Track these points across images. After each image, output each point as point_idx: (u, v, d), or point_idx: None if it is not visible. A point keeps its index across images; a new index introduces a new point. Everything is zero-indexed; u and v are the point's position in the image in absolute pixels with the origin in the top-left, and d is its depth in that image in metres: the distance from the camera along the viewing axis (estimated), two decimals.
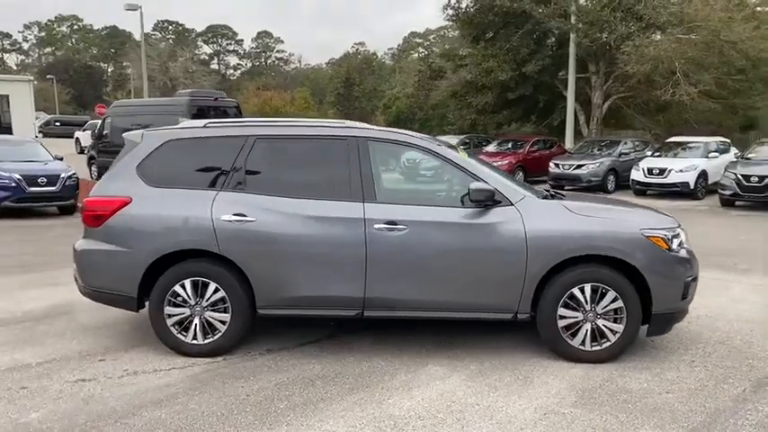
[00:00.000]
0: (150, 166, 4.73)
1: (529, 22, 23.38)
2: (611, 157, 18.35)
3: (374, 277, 4.49)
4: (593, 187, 17.41)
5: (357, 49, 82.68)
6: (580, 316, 4.49)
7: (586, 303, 4.47)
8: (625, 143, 19.37)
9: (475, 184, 4.46)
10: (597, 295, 4.47)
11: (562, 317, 4.50)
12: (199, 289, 4.57)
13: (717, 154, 16.95)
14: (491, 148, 21.41)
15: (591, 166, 17.90)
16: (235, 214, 4.53)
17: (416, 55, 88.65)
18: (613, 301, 4.46)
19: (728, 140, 18.49)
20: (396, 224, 4.48)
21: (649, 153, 18.16)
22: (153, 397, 3.95)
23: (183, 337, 4.62)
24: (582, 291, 4.47)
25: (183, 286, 4.57)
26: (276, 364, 4.53)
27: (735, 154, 17.25)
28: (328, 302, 4.59)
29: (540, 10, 22.26)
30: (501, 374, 4.32)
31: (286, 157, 4.81)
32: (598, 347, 4.52)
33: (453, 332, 5.08)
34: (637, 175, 16.85)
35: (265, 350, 4.77)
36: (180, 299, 4.58)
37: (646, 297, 4.48)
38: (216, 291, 4.56)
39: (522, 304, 4.51)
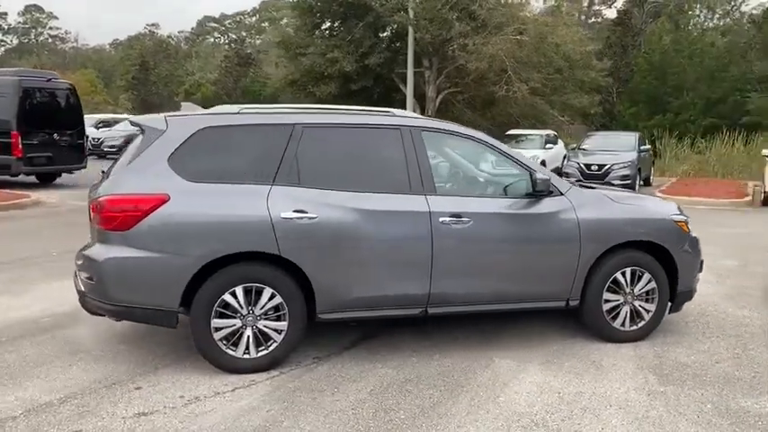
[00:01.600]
0: (185, 157, 4.06)
1: (369, 14, 23.81)
2: None
3: (439, 272, 4.34)
4: None
5: (150, 32, 77.92)
6: (621, 299, 4.76)
7: (627, 286, 4.76)
8: None
9: (539, 175, 4.50)
10: (635, 278, 4.78)
11: (607, 301, 4.73)
12: (252, 296, 4.06)
13: (552, 145, 18.83)
14: None
15: None
16: (295, 211, 4.07)
17: (212, 40, 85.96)
18: (648, 282, 4.80)
19: (556, 133, 20.65)
20: (460, 217, 4.36)
21: None
22: (252, 424, 3.43)
23: (232, 352, 4.06)
24: (623, 275, 4.74)
25: (234, 294, 4.01)
26: (341, 372, 4.17)
27: (566, 145, 19.33)
28: (392, 302, 4.34)
29: (381, 3, 22.80)
30: (570, 361, 4.42)
31: (338, 147, 4.42)
32: (635, 327, 4.82)
33: (483, 324, 5.08)
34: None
35: (313, 359, 4.36)
36: (230, 309, 4.02)
37: (672, 278, 4.88)
38: (271, 297, 4.07)
39: (573, 291, 4.66)
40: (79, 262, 4.18)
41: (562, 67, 22.11)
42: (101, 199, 3.98)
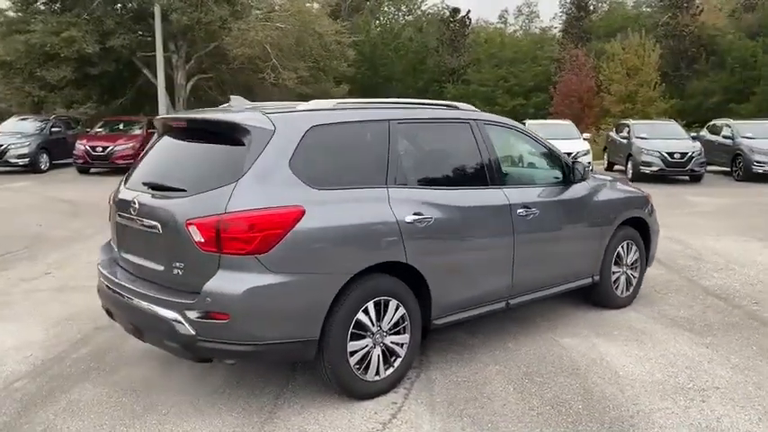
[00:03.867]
0: (302, 161, 3.46)
1: None
2: None
3: (518, 264, 4.42)
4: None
5: None
6: (620, 270, 5.39)
7: (625, 258, 5.40)
8: None
9: (579, 164, 4.85)
10: (630, 250, 5.44)
11: (614, 272, 5.32)
12: (381, 311, 3.66)
13: None
14: (99, 130, 18.88)
15: None
16: (414, 214, 3.77)
17: None
18: (635, 253, 5.51)
19: None
20: (529, 207, 4.49)
21: None
22: None
23: (364, 377, 3.62)
24: (623, 248, 5.37)
25: (366, 311, 3.59)
26: (460, 377, 4.01)
27: None
28: (485, 299, 4.30)
29: None
30: (620, 332, 4.82)
31: (425, 143, 4.24)
32: (629, 293, 5.50)
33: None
34: None
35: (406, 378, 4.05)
36: (362, 328, 3.58)
37: (646, 247, 5.66)
38: (396, 309, 3.73)
39: (597, 267, 5.13)
40: (181, 301, 3.27)
41: (321, 59, 22.62)
42: (229, 216, 3.19)
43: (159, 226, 3.43)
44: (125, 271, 3.83)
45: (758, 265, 6.99)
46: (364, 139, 3.82)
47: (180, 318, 3.25)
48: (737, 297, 5.79)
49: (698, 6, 39.74)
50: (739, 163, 16.86)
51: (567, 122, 19.90)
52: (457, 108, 4.56)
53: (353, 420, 3.44)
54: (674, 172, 16.06)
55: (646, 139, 16.80)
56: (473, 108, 4.70)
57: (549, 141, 5.06)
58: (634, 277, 5.53)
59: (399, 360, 3.79)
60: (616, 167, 18.58)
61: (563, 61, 38.01)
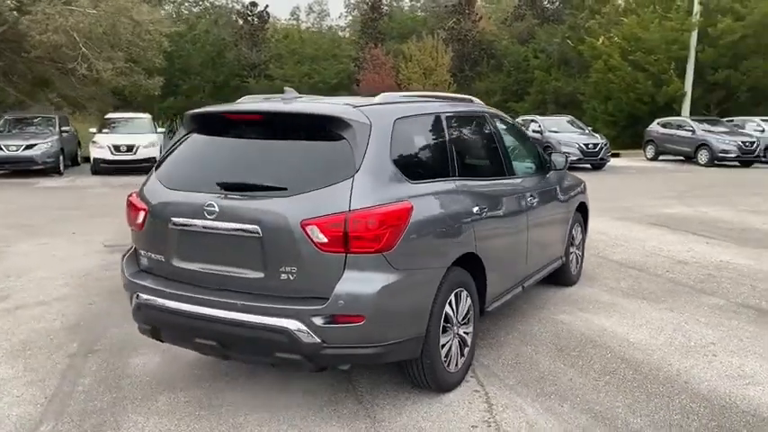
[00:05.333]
0: (396, 154, 3.37)
1: None
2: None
3: (530, 247, 4.70)
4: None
5: None
6: (573, 250, 5.93)
7: (576, 239, 5.96)
8: None
9: (558, 154, 5.28)
10: (578, 232, 6.02)
11: (570, 252, 5.83)
12: (457, 302, 3.68)
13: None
14: None
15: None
16: (476, 204, 3.86)
17: None
18: (581, 233, 6.10)
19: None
20: (534, 195, 4.79)
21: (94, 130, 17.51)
22: None
23: (447, 368, 3.62)
24: (574, 230, 5.91)
25: (451, 303, 3.60)
26: (516, 362, 4.16)
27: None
28: (513, 284, 4.50)
29: None
30: (595, 307, 5.32)
31: (464, 136, 4.31)
32: (578, 271, 6.08)
33: None
34: (102, 152, 16.17)
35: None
36: (448, 321, 3.59)
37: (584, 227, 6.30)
38: (466, 299, 3.77)
39: (563, 249, 5.60)
40: (305, 307, 2.97)
41: (136, 48, 20.77)
42: (355, 214, 2.98)
43: (258, 229, 3.09)
44: (189, 284, 3.35)
45: (639, 241, 8.10)
46: (430, 131, 3.82)
47: (303, 326, 2.98)
48: (650, 267, 6.69)
49: (476, 13, 43.84)
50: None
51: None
52: (472, 101, 4.70)
53: (458, 412, 3.42)
54: (588, 161, 18.31)
55: (558, 132, 19.12)
56: (481, 102, 4.86)
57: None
58: (580, 256, 6.13)
59: (467, 349, 3.84)
60: None
61: (362, 60, 39.54)
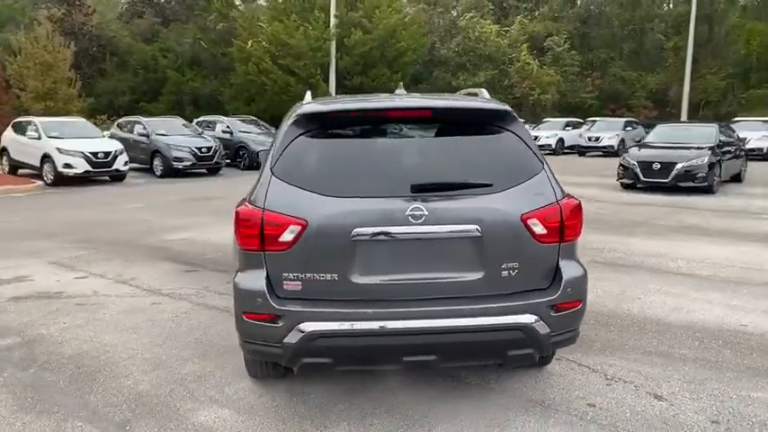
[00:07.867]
0: None
1: None
2: None
3: None
4: None
5: None
6: None
7: None
8: None
9: None
10: None
11: None
12: None
13: None
14: None
15: None
16: None
17: None
18: None
19: None
20: None
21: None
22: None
23: None
24: None
25: None
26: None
27: None
28: None
29: None
30: None
31: None
32: None
33: None
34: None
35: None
36: None
37: None
38: None
39: None
40: (538, 300, 3.09)
41: None
42: (564, 203, 3.18)
43: (478, 228, 2.99)
44: (378, 300, 3.01)
45: None
46: None
47: (539, 319, 3.05)
48: None
49: (89, 6, 39.70)
50: (158, 159, 17.76)
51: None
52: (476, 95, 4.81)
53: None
54: (100, 173, 15.56)
55: (63, 138, 15.61)
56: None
57: None
58: None
59: None
60: (22, 171, 16.90)
61: None
